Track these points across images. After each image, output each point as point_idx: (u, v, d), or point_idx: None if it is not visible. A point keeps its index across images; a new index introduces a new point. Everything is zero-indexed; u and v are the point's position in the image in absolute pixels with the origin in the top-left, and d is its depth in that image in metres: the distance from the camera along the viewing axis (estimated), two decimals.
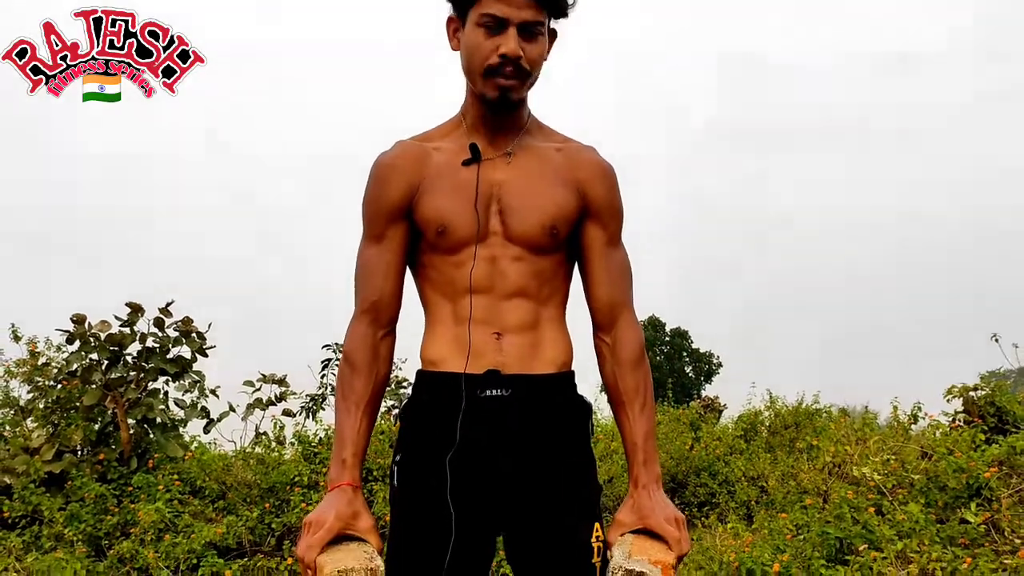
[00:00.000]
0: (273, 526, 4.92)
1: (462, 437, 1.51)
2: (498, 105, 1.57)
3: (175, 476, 5.46)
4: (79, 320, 5.85)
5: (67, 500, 5.30)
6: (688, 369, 42.77)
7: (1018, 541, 3.94)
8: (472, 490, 1.51)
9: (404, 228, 1.61)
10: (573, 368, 1.65)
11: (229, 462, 6.02)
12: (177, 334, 6.16)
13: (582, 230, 1.64)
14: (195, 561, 4.52)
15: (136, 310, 5.99)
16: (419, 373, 1.62)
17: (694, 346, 43.30)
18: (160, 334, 6.10)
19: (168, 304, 6.13)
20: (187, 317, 6.16)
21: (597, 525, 1.54)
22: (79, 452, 5.76)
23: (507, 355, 1.54)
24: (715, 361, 42.76)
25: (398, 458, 1.59)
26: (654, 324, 42.26)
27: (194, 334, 6.18)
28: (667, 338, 43.01)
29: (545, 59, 1.60)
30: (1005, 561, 3.66)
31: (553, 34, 1.62)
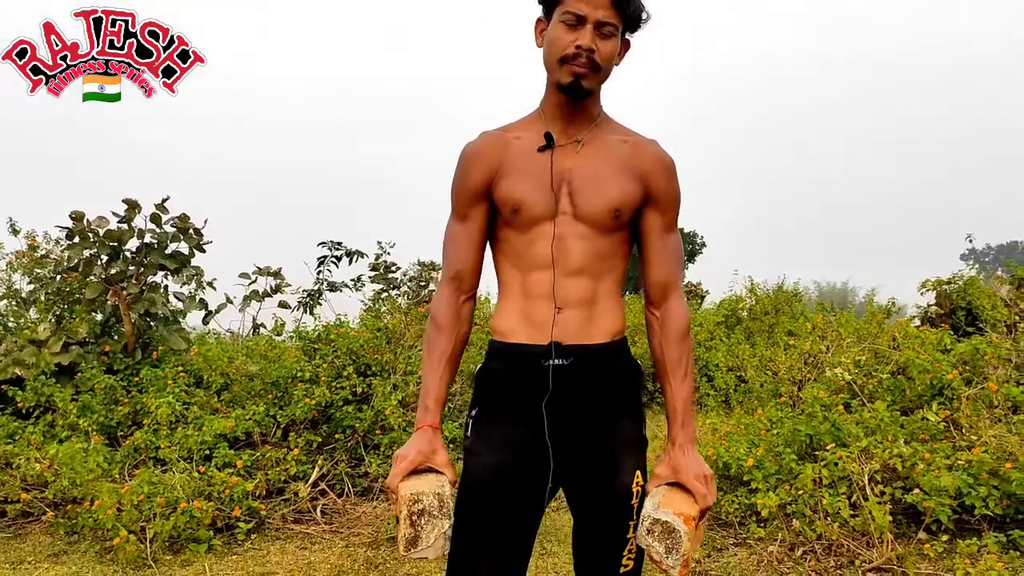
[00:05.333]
0: (278, 419, 5.17)
1: (530, 398, 1.76)
2: (570, 90, 1.75)
3: (180, 368, 5.67)
4: (77, 217, 5.89)
5: (77, 390, 5.50)
6: None
7: (974, 438, 4.24)
8: (538, 440, 1.76)
9: (485, 208, 1.84)
10: (625, 335, 1.87)
11: (231, 354, 6.21)
12: (175, 230, 6.22)
13: (642, 215, 1.84)
14: (207, 452, 4.78)
15: (133, 206, 6.02)
16: (491, 342, 1.87)
17: (678, 226, 43.36)
18: (158, 230, 6.17)
19: (164, 200, 6.13)
20: (183, 214, 6.19)
21: (639, 472, 1.79)
22: (84, 344, 5.93)
23: (567, 327, 1.76)
24: (699, 241, 43.02)
25: (473, 413, 1.85)
26: None
27: (191, 230, 6.26)
28: None
29: (616, 63, 1.79)
30: (959, 457, 3.95)
31: (627, 44, 1.80)
